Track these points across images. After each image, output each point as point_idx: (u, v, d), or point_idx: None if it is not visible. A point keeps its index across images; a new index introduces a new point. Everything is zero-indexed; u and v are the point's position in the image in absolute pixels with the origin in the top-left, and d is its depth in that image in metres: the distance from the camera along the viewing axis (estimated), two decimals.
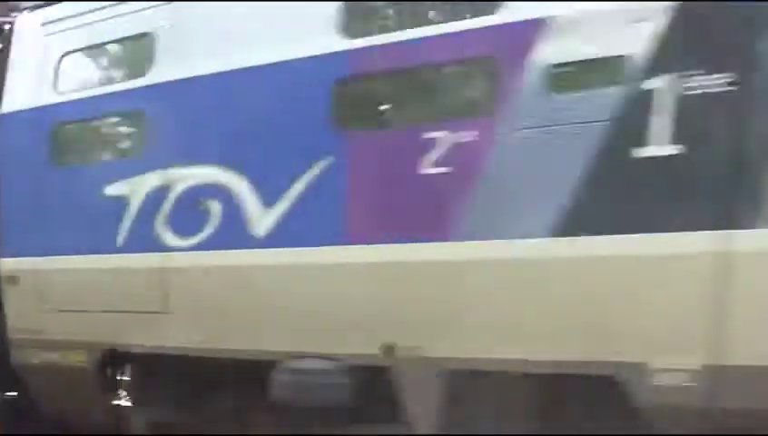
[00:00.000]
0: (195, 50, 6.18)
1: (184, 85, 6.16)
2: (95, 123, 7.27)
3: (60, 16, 7.08)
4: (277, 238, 5.61)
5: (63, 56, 6.95)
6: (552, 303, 4.75)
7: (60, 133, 7.10)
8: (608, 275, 4.61)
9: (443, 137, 5.02)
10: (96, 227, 6.50)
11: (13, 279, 7.08)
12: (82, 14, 6.90)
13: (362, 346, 5.32)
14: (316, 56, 5.55)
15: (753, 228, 4.22)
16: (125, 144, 7.26)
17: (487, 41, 5.08)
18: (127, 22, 6.61)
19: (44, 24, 7.19)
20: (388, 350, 5.23)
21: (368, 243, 5.30)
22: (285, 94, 5.72)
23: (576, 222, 4.68)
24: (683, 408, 4.44)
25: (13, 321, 7.09)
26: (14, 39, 7.34)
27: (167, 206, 6.05)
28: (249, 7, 5.93)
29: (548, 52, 4.79)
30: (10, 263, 7.02)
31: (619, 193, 4.63)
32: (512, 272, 4.87)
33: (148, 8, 6.41)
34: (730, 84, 4.26)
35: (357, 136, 5.61)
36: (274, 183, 5.63)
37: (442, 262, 5.07)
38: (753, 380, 4.20)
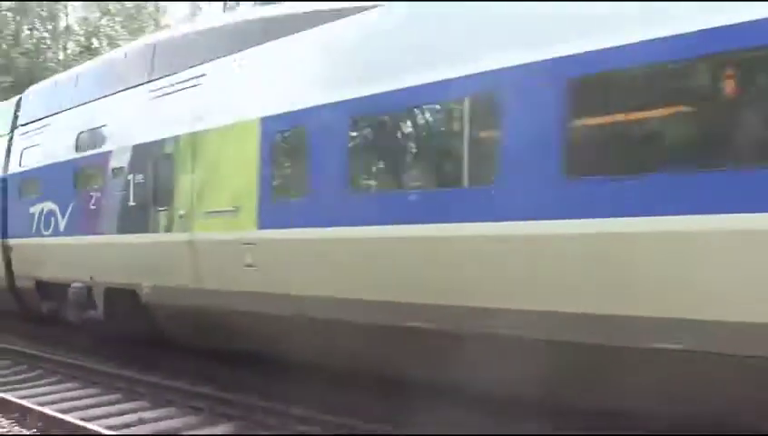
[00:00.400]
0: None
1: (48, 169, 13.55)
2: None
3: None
4: (65, 232, 12.71)
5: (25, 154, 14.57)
6: (125, 260, 11.26)
7: (21, 184, 14.46)
8: (146, 249, 10.81)
9: (93, 195, 11.97)
10: (29, 227, 14.03)
11: (11, 248, 14.51)
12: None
13: (86, 277, 12.16)
14: (69, 161, 12.77)
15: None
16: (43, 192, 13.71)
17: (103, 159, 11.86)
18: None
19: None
20: (92, 278, 12.11)
21: (86, 235, 12.17)
22: (61, 175, 12.93)
23: (121, 228, 11.25)
24: (150, 304, 10.80)
25: (18, 267, 14.42)
26: None
27: (42, 218, 13.48)
28: None
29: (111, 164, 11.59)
30: (10, 241, 14.64)
31: (131, 216, 11.04)
32: (116, 248, 11.40)
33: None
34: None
35: (79, 191, 12.48)
36: (64, 209, 12.75)
37: (97, 244, 11.83)
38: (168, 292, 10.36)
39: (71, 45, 45.26)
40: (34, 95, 15.32)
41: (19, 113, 15.11)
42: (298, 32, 8.68)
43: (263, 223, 8.52)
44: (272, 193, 8.55)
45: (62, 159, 12.93)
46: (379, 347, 7.64)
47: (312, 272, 8.04)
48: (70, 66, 43.37)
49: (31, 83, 39.52)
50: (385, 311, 7.21)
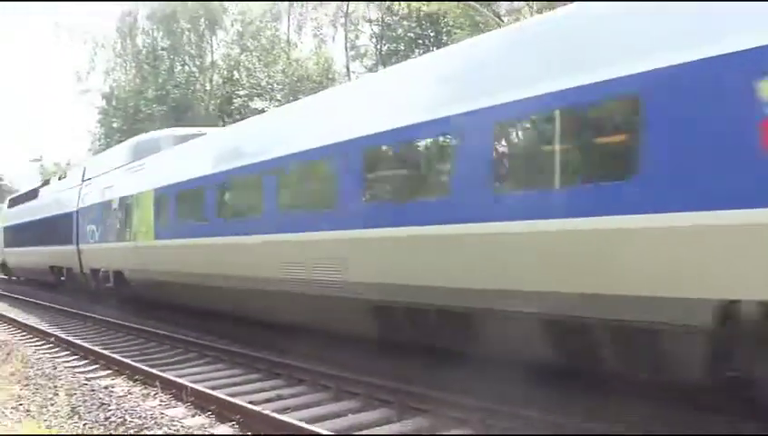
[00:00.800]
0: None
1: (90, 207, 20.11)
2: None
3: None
4: (98, 241, 19.05)
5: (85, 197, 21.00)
6: (119, 256, 17.58)
7: (83, 214, 20.66)
8: (124, 250, 17.20)
9: (107, 221, 18.64)
10: (87, 237, 20.50)
11: (81, 251, 20.49)
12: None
13: (107, 265, 18.57)
14: (98, 203, 19.54)
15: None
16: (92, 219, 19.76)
17: (110, 203, 18.66)
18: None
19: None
20: (109, 266, 18.31)
21: (105, 243, 18.43)
22: (96, 210, 19.72)
23: (116, 239, 17.57)
24: (129, 279, 17.26)
25: (84, 261, 20.36)
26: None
27: (90, 233, 19.71)
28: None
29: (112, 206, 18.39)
30: (80, 246, 20.72)
31: (120, 233, 17.59)
32: (116, 250, 17.69)
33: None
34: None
35: (102, 219, 18.86)
36: (97, 228, 19.17)
37: (109, 248, 18.29)
38: None
39: (215, 78, 47.12)
40: (90, 164, 22.94)
41: (84, 174, 21.73)
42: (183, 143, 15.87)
43: (157, 237, 15.05)
44: (157, 222, 15.06)
45: (96, 202, 19.44)
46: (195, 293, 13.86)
47: (174, 261, 14.11)
48: (215, 95, 45.33)
49: (182, 111, 41.61)
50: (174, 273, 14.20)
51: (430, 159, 8.14)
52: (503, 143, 7.08)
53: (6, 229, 31.49)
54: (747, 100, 4.98)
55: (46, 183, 28.33)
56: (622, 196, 5.74)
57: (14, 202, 32.08)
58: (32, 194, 28.58)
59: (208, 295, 13.09)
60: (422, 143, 8.10)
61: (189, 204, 13.76)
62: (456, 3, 27.99)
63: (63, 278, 23.01)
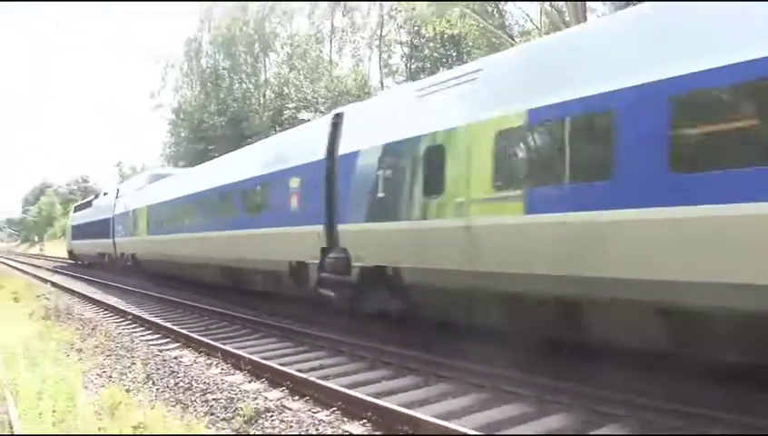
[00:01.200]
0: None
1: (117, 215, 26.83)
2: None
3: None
4: (123, 236, 25.24)
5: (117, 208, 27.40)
6: (133, 244, 24.26)
7: (116, 219, 27.08)
8: (136, 241, 23.81)
9: (125, 224, 25.05)
10: (118, 233, 26.51)
11: (116, 242, 26.72)
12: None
13: (128, 251, 24.83)
14: (124, 212, 25.82)
15: None
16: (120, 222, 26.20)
17: (126, 213, 25.20)
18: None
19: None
20: (129, 250, 23.72)
21: (125, 237, 25.17)
22: (122, 217, 25.73)
23: (129, 234, 24.28)
24: (139, 259, 23.65)
25: (117, 249, 26.67)
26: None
27: (118, 231, 25.92)
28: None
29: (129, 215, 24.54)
30: (115, 239, 26.99)
31: (131, 230, 24.12)
32: (132, 241, 24.20)
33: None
34: None
35: (123, 223, 25.38)
36: (122, 228, 25.46)
37: (127, 239, 24.89)
38: None
39: (268, 93, 47.46)
40: (121, 187, 29.11)
41: (118, 192, 28.24)
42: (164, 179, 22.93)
43: (149, 233, 21.22)
44: (150, 225, 21.10)
45: (122, 211, 25.44)
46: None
47: (155, 246, 20.35)
48: (268, 108, 45.59)
49: (239, 122, 41.97)
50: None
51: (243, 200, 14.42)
52: (265, 192, 13.08)
53: (73, 227, 40.09)
54: (316, 181, 10.77)
55: (96, 196, 36.76)
56: (291, 218, 11.57)
57: (78, 208, 40.97)
58: (88, 204, 37.17)
59: (167, 266, 20.47)
60: (238, 194, 14.59)
61: (158, 216, 20.75)
62: (475, 26, 27.72)
63: (106, 260, 29.77)
